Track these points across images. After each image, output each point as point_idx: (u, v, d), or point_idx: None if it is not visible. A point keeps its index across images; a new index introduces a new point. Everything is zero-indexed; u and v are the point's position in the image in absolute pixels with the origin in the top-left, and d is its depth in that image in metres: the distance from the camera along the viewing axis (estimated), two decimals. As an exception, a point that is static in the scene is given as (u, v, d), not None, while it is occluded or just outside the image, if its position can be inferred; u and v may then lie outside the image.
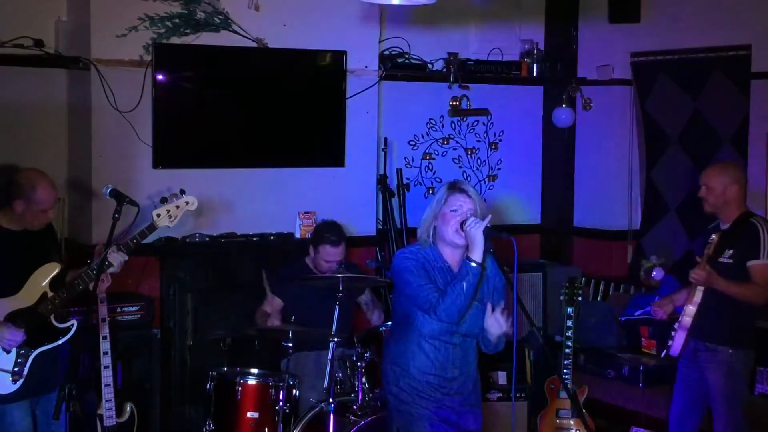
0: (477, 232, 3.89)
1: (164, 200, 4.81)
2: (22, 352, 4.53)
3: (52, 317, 4.61)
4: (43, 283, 4.61)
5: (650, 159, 7.66)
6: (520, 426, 5.94)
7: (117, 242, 4.69)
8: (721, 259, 5.05)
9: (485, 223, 3.91)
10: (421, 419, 4.06)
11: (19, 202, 4.55)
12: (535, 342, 4.01)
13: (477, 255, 3.89)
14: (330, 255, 5.64)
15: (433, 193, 7.54)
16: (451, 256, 4.07)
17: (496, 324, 4.02)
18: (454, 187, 4.08)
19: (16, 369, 4.51)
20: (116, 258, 4.63)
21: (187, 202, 4.85)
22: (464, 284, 3.89)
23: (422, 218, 4.14)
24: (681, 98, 7.39)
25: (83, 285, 4.60)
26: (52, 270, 4.64)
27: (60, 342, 4.65)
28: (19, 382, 4.53)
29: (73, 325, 4.69)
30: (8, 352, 4.51)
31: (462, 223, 3.96)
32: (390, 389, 4.16)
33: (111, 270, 4.66)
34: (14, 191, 4.58)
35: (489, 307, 4.04)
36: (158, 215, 4.76)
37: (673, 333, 5.24)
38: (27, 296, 4.57)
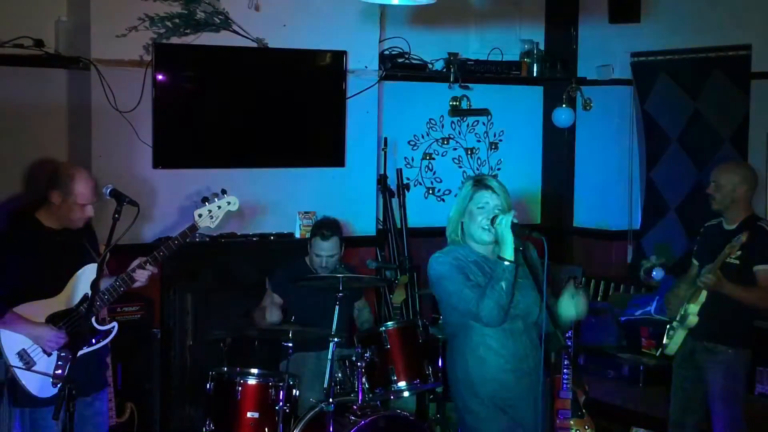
0: (506, 230, 3.85)
1: (205, 200, 4.74)
2: (62, 354, 4.46)
3: (93, 319, 4.55)
4: (84, 284, 4.53)
5: (650, 159, 7.66)
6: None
7: (155, 250, 4.66)
8: (728, 260, 5.03)
9: (516, 222, 3.87)
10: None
11: (56, 193, 4.49)
12: (557, 343, 3.97)
13: (508, 254, 3.84)
14: (321, 249, 5.61)
15: (433, 194, 7.58)
16: (482, 249, 4.01)
17: (572, 306, 3.98)
18: (480, 183, 4.03)
19: (57, 372, 4.44)
20: (142, 275, 4.59)
21: (228, 203, 4.79)
22: (503, 284, 3.81)
23: (448, 216, 4.07)
24: (681, 98, 7.39)
25: (126, 287, 4.57)
26: (93, 271, 4.58)
27: (101, 344, 4.61)
28: (60, 386, 4.45)
29: (113, 327, 4.65)
30: (49, 355, 4.45)
31: (492, 220, 3.92)
32: (468, 408, 4.01)
33: (138, 285, 4.61)
34: (52, 183, 4.52)
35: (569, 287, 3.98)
36: (200, 215, 4.72)
37: (670, 332, 5.24)
38: (68, 297, 4.51)
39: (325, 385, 5.06)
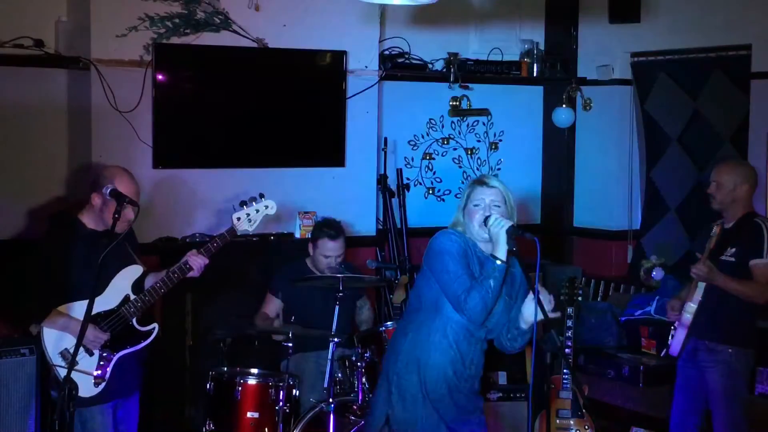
0: (501, 231, 3.85)
1: (243, 204, 4.81)
2: (104, 354, 4.51)
3: (134, 320, 4.60)
4: (126, 285, 4.59)
5: (650, 159, 7.66)
6: (520, 426, 5.93)
7: (199, 246, 4.76)
8: (723, 257, 5.04)
9: (509, 222, 3.88)
10: (424, 422, 3.96)
11: (97, 195, 4.53)
12: (553, 344, 3.96)
13: (501, 253, 3.83)
14: (329, 250, 5.63)
15: (433, 194, 7.58)
16: (484, 248, 3.99)
17: (534, 308, 3.87)
18: (477, 182, 4.03)
19: (97, 372, 4.49)
20: (196, 261, 4.65)
21: (266, 206, 4.85)
22: (491, 281, 3.81)
23: (454, 217, 4.07)
24: (681, 98, 7.39)
25: (165, 288, 4.61)
26: (135, 273, 4.63)
27: (142, 345, 4.65)
28: (102, 386, 4.51)
29: (154, 328, 4.69)
30: (91, 354, 4.49)
31: (486, 220, 3.92)
32: (399, 383, 3.97)
33: (191, 274, 4.66)
34: (93, 185, 4.56)
35: (529, 296, 3.91)
36: (238, 219, 4.78)
37: (672, 332, 5.24)
38: (110, 298, 4.55)
39: (325, 385, 5.06)
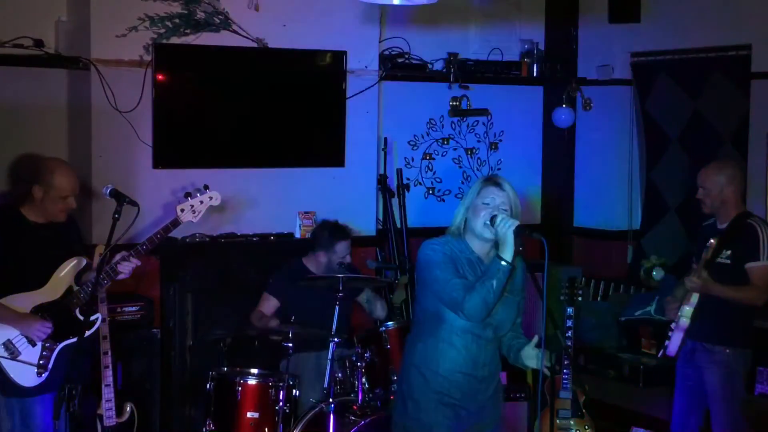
0: (508, 231, 3.84)
1: (188, 195, 4.84)
2: (47, 345, 4.56)
3: (77, 311, 4.63)
4: (69, 277, 4.63)
5: (650, 159, 7.66)
6: (520, 426, 5.94)
7: (136, 244, 4.75)
8: (719, 260, 5.03)
9: (516, 222, 3.87)
10: (440, 429, 3.96)
11: (38, 187, 4.59)
12: (557, 345, 3.97)
13: (508, 254, 3.81)
14: (346, 250, 5.71)
15: (432, 194, 7.58)
16: (479, 248, 3.98)
17: (533, 360, 3.96)
18: (489, 180, 4.02)
19: (41, 362, 4.54)
20: (125, 267, 4.65)
21: (210, 197, 4.88)
22: (494, 282, 3.81)
23: (455, 210, 4.08)
24: (681, 98, 7.39)
25: (94, 291, 4.62)
26: (78, 264, 4.66)
27: (85, 336, 4.67)
28: (44, 375, 4.55)
29: (97, 319, 4.72)
30: (34, 345, 4.53)
31: (492, 219, 3.91)
32: (411, 394, 4.01)
33: (121, 277, 4.67)
34: (33, 177, 4.62)
35: (534, 340, 3.95)
36: (182, 210, 4.80)
37: (669, 333, 5.24)
38: (52, 290, 4.60)
39: (325, 385, 5.07)
